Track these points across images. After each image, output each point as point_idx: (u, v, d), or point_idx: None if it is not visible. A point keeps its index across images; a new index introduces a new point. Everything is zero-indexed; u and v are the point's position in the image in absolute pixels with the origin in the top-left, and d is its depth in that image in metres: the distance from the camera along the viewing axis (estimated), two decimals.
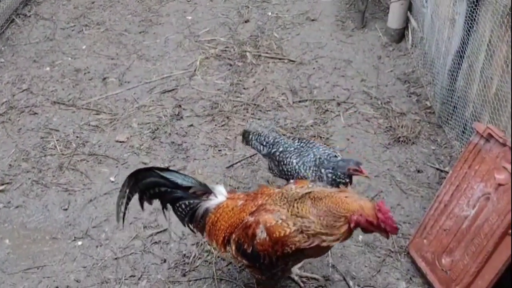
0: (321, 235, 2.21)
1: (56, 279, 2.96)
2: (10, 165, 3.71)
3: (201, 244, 3.12)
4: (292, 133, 3.93)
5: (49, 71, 4.67)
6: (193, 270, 2.99)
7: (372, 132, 3.94)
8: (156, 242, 3.16)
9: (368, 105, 4.21)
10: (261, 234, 2.31)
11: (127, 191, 2.57)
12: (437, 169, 3.62)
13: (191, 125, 4.04)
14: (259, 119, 4.10)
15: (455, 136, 3.75)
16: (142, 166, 3.70)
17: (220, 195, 2.57)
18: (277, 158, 3.05)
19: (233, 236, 2.46)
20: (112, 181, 3.58)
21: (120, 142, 3.89)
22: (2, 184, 3.56)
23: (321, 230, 2.20)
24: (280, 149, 3.07)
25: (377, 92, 4.35)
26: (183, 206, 2.58)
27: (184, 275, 2.96)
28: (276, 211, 2.31)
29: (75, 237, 3.20)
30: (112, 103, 4.29)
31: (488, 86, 3.25)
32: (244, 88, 4.40)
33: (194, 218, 2.58)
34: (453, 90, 3.76)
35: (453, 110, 3.77)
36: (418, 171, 3.61)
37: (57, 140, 3.91)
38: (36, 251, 3.13)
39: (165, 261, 3.04)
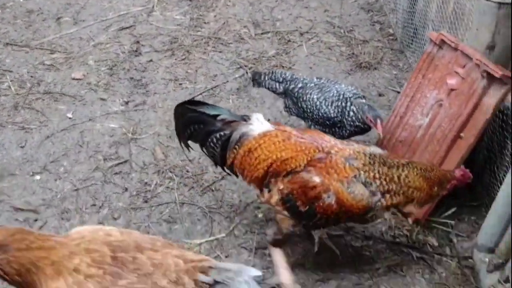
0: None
1: (15, 213, 2.94)
2: None
3: (163, 172, 3.12)
4: (254, 64, 3.90)
5: (0, 13, 4.47)
6: (155, 196, 2.99)
7: (335, 59, 3.93)
8: (116, 173, 3.14)
9: (331, 34, 4.18)
10: (328, 199, 2.13)
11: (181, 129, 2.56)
12: (398, 92, 3.64)
13: (150, 61, 3.96)
14: (220, 52, 4.03)
15: (416, 59, 3.76)
16: (100, 102, 3.65)
17: (258, 122, 2.34)
18: (296, 94, 2.86)
19: (281, 185, 2.22)
20: (70, 118, 3.51)
21: (77, 79, 3.80)
22: None
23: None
24: (299, 85, 2.87)
25: (340, 22, 4.31)
26: (215, 140, 2.40)
27: (145, 202, 2.96)
28: (352, 178, 2.12)
29: (33, 172, 3.15)
30: (67, 42, 4.15)
31: (446, 2, 3.24)
32: (205, 23, 4.31)
33: (228, 146, 2.34)
34: (413, 13, 3.75)
35: (414, 33, 3.77)
36: (380, 95, 3.64)
37: (11, 81, 3.79)
38: None
39: (126, 190, 3.04)
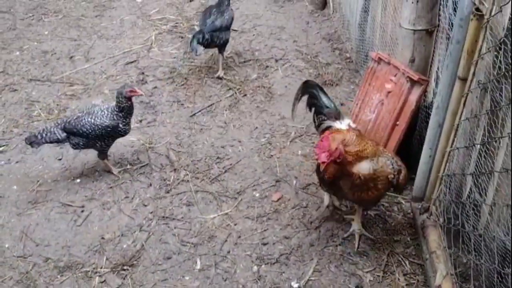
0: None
1: (65, 207, 3.92)
2: (3, 131, 4.60)
3: (178, 170, 4.20)
4: (240, 86, 5.08)
5: (19, 55, 5.53)
6: (174, 188, 4.05)
7: (305, 79, 5.14)
8: (141, 173, 4.19)
9: (300, 60, 5.44)
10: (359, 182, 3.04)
11: (299, 94, 3.80)
12: None
13: (155, 87, 5.09)
14: (212, 77, 5.21)
15: None
16: None
17: (342, 124, 3.43)
18: (73, 124, 3.90)
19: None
20: None
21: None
22: (0, 146, 4.44)
23: None
24: (74, 117, 3.94)
25: (307, 50, 5.58)
26: (316, 117, 3.69)
27: (167, 192, 4.01)
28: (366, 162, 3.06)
29: (73, 177, 4.17)
30: (83, 76, 5.25)
31: (385, 31, 4.53)
32: (196, 55, 5.48)
33: (319, 128, 3.63)
34: (363, 40, 5.05)
35: (365, 56, 5.06)
36: (341, 104, 4.87)
37: (40, 109, 4.83)
38: (43, 190, 4.07)
39: (150, 185, 4.09)
